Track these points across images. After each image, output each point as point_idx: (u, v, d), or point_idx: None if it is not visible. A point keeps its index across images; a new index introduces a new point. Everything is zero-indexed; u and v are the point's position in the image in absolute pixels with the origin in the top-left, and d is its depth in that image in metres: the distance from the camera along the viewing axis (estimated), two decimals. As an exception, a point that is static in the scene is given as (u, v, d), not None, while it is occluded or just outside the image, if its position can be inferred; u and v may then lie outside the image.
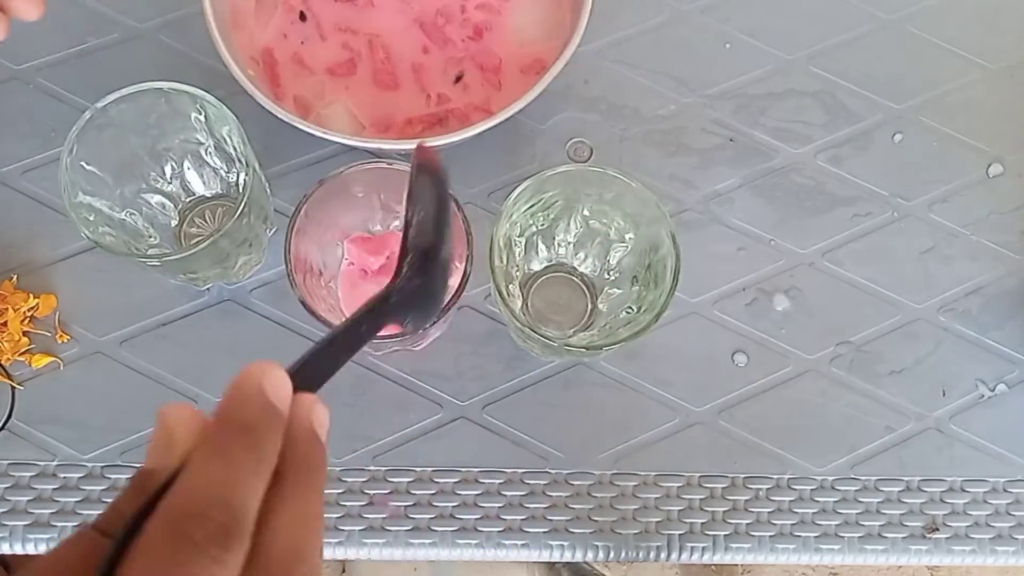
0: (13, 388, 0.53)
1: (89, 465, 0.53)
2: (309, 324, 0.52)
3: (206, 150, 0.51)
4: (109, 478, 0.53)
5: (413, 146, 0.49)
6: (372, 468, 0.53)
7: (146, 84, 0.47)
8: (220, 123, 0.48)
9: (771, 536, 0.53)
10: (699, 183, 0.58)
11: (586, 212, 0.51)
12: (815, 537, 0.53)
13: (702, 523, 0.53)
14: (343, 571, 1.16)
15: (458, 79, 0.56)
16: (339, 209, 0.50)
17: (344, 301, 0.52)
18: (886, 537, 0.54)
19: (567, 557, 0.53)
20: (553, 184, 0.48)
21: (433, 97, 0.56)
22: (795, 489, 0.54)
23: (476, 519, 0.53)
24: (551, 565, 1.18)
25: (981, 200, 0.59)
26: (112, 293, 0.55)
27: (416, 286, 0.33)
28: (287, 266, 0.45)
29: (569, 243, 0.53)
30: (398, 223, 0.53)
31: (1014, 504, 0.54)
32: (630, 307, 0.50)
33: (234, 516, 0.21)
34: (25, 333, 0.53)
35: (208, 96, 0.47)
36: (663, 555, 0.53)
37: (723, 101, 0.60)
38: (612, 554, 0.53)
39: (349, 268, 0.53)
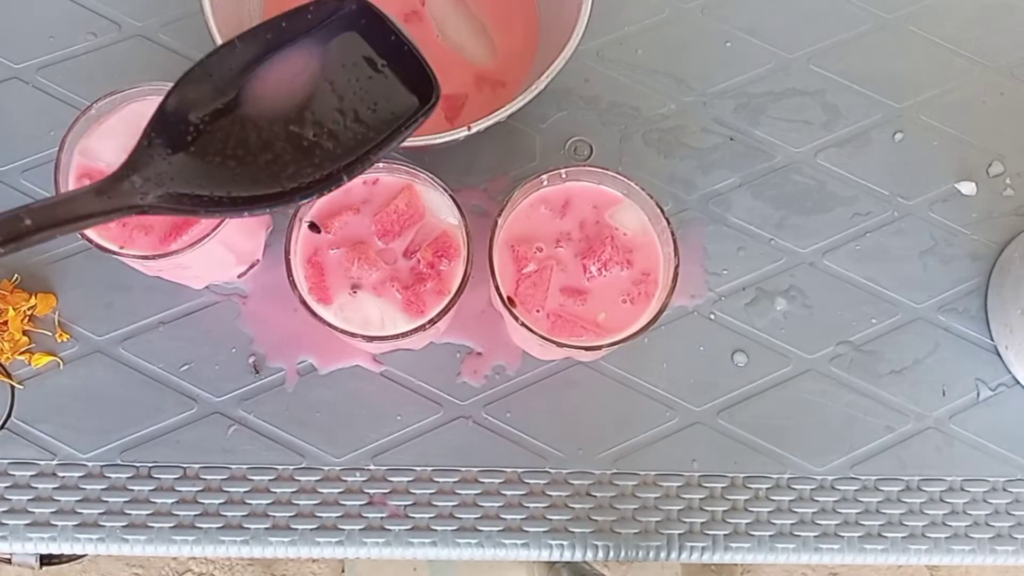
0: (13, 387, 0.53)
1: (89, 464, 0.53)
2: (309, 323, 0.52)
3: (206, 149, 0.51)
4: (109, 477, 0.53)
5: (411, 145, 0.49)
6: (372, 467, 0.53)
7: (146, 84, 0.47)
8: (220, 122, 0.48)
9: (771, 536, 0.53)
10: (699, 183, 0.58)
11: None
12: (815, 537, 0.53)
13: (702, 523, 0.53)
14: (342, 570, 1.16)
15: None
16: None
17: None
18: (886, 537, 0.54)
19: (567, 556, 0.53)
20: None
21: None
22: (795, 489, 0.54)
23: (476, 518, 0.53)
24: (551, 564, 1.18)
25: (981, 200, 0.59)
26: (111, 292, 0.55)
27: None
28: (287, 266, 0.45)
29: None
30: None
31: (1013, 504, 0.54)
32: (630, 307, 0.50)
33: None
34: (25, 332, 0.54)
35: (208, 95, 0.47)
36: (663, 554, 0.53)
37: (723, 100, 0.60)
38: (612, 553, 0.53)
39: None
